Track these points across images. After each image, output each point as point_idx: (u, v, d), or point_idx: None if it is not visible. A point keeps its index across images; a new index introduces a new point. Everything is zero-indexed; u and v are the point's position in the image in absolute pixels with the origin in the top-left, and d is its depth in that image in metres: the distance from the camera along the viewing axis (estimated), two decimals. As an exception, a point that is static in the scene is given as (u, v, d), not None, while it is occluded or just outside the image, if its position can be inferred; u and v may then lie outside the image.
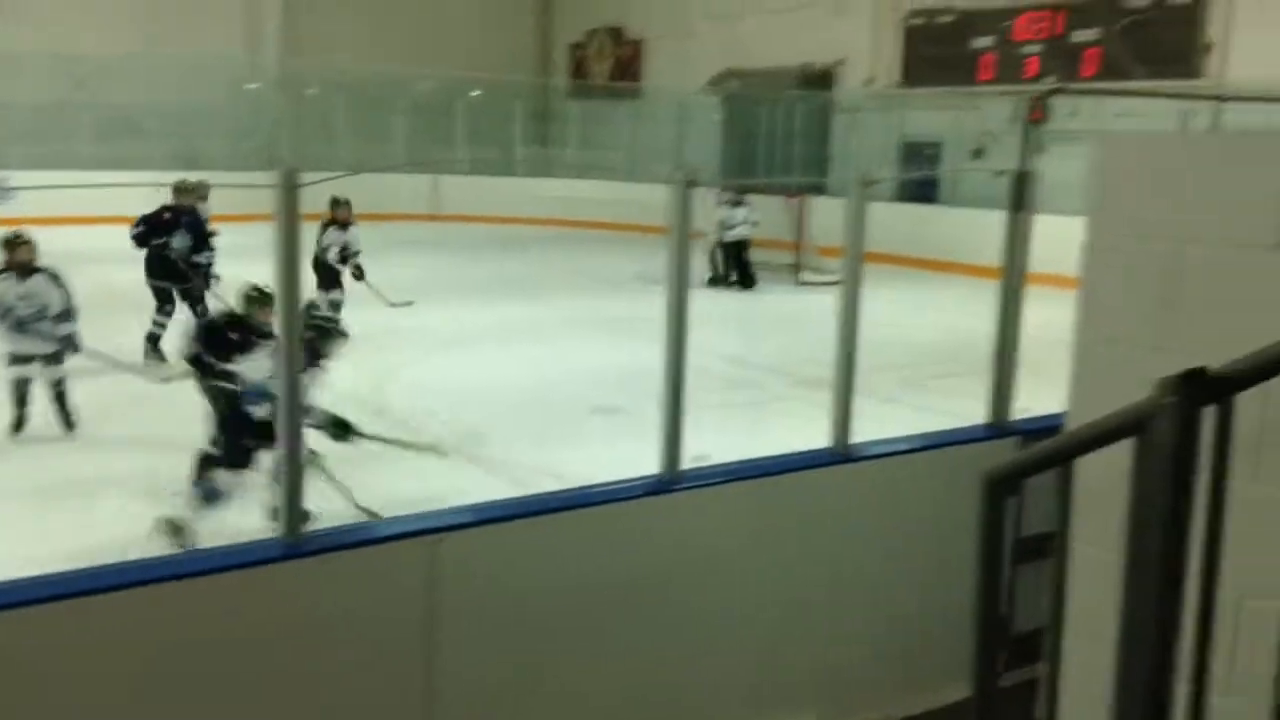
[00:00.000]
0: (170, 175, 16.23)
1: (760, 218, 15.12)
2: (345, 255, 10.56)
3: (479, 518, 3.30)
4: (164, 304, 9.43)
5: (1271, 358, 1.64)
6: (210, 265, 9.78)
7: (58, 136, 19.12)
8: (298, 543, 2.97)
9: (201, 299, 9.54)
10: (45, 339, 7.19)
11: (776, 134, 19.94)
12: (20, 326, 7.13)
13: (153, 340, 9.28)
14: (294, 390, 3.06)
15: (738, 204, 14.97)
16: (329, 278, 10.44)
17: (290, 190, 2.93)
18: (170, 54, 20.05)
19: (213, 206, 10.50)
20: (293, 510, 3.03)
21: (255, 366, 5.27)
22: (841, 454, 3.74)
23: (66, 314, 7.25)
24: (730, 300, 13.96)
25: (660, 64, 23.71)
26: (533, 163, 23.33)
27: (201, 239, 9.66)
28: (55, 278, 7.30)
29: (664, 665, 3.54)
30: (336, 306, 10.12)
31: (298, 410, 3.17)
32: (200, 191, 10.02)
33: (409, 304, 11.60)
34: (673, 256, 3.42)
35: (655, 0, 23.01)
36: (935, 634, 3.76)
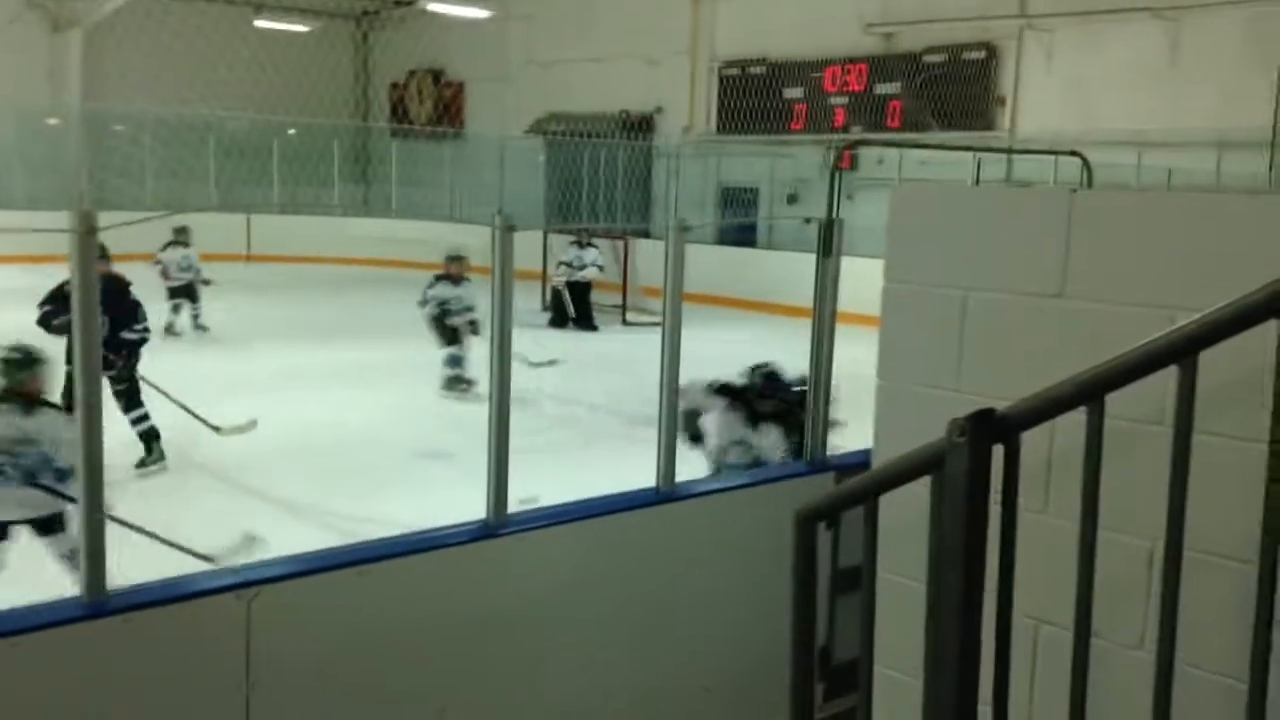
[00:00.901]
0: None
1: (608, 262, 15.34)
2: (451, 310, 10.56)
3: (298, 569, 3.21)
4: None
5: (1052, 399, 1.77)
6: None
7: None
8: (102, 600, 2.82)
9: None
10: None
11: (599, 178, 20.22)
12: None
13: None
14: (93, 436, 2.91)
15: (586, 245, 15.12)
16: (446, 333, 10.58)
17: (87, 234, 2.81)
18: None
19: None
20: (95, 568, 2.88)
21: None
22: (666, 492, 3.81)
23: None
24: (560, 340, 14.03)
25: (482, 106, 23.76)
26: (351, 203, 22.94)
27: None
28: None
29: (493, 711, 3.51)
30: (457, 362, 10.37)
31: (99, 462, 3.01)
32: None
33: (553, 363, 10.77)
34: (495, 299, 3.43)
35: (476, 43, 23.03)
36: (762, 667, 3.85)
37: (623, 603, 3.73)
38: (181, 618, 2.97)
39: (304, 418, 9.29)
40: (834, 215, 4.63)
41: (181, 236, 13.04)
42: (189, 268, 13.03)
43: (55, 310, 7.08)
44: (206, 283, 13.25)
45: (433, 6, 22.29)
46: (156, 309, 12.18)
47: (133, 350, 7.65)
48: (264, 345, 12.52)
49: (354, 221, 21.61)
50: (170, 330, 12.67)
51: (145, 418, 7.67)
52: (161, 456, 7.66)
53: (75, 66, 21.92)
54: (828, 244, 4.18)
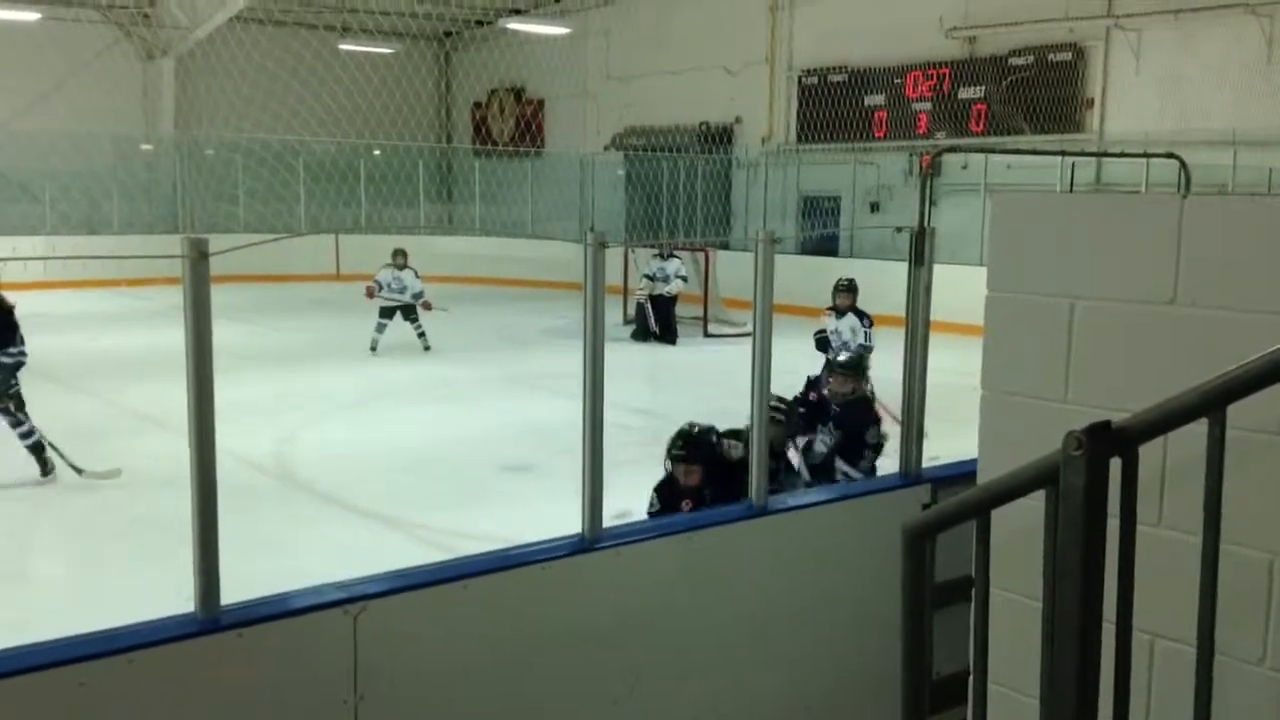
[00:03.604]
0: (68, 240, 15.87)
1: (690, 273, 15.34)
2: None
3: (402, 584, 3.26)
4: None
5: (1173, 410, 1.73)
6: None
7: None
8: (215, 616, 2.90)
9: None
10: None
11: (679, 190, 20.25)
12: None
13: None
14: (205, 456, 2.99)
15: (668, 258, 15.13)
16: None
17: (199, 259, 2.90)
18: (62, 122, 19.70)
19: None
20: (209, 584, 2.96)
21: None
22: (760, 507, 3.79)
23: None
24: (642, 354, 14.07)
25: (562, 122, 23.96)
26: (436, 222, 23.30)
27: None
28: None
29: (591, 726, 3.52)
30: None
31: (212, 481, 3.08)
32: None
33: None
34: (587, 314, 3.45)
35: (555, 61, 23.26)
36: (858, 681, 3.81)
37: (719, 618, 3.72)
38: (291, 633, 3.04)
39: (392, 433, 9.45)
40: (925, 223, 4.57)
41: (397, 259, 13.67)
42: (401, 289, 13.55)
43: None
44: (427, 306, 13.73)
45: (512, 26, 22.59)
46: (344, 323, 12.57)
47: (10, 371, 7.66)
48: (350, 363, 12.76)
49: (439, 240, 21.94)
50: (374, 348, 13.32)
51: (31, 433, 7.74)
52: (52, 469, 7.75)
53: (168, 94, 22.62)
54: (919, 252, 4.13)
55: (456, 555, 3.97)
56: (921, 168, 17.62)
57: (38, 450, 7.83)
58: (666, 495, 4.93)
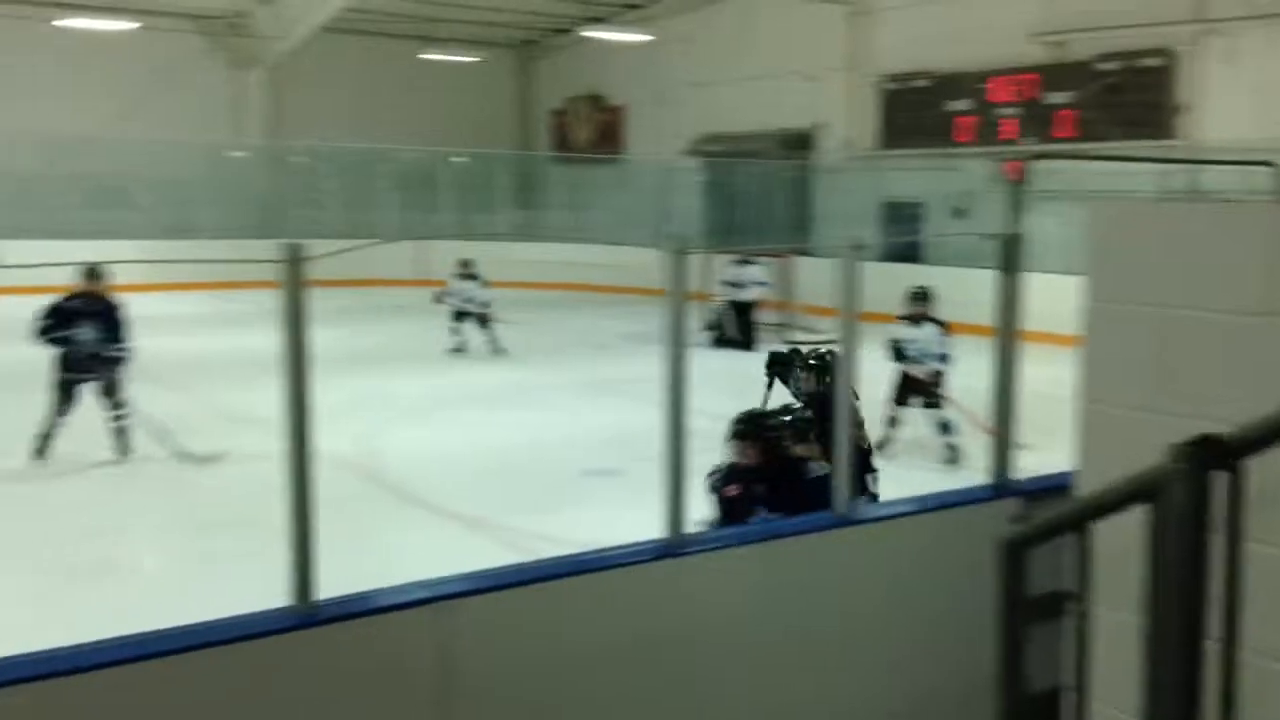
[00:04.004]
0: (159, 244, 16.31)
1: (769, 279, 15.28)
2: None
3: (486, 585, 3.30)
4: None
5: (1277, 424, 1.69)
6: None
7: (43, 206, 19.18)
8: (311, 611, 2.97)
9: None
10: None
11: (758, 197, 20.19)
12: None
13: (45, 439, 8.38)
14: (302, 454, 3.06)
15: (748, 264, 15.07)
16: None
17: (295, 263, 2.97)
18: (153, 130, 20.30)
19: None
20: (303, 578, 3.02)
21: None
22: (845, 516, 3.77)
23: None
24: (721, 360, 14.03)
25: (641, 128, 24.03)
26: (516, 228, 23.51)
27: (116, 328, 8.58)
28: None
29: (672, 732, 3.53)
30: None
31: (308, 479, 3.16)
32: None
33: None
34: (670, 321, 3.47)
35: (635, 67, 23.36)
36: (942, 697, 3.77)
37: (800, 628, 3.70)
38: (380, 629, 3.10)
39: (474, 436, 9.57)
40: (1015, 230, 4.50)
41: (463, 268, 14.16)
42: (470, 299, 13.99)
43: (53, 324, 8.20)
44: (488, 318, 14.06)
45: (593, 33, 22.73)
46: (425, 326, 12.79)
47: (115, 365, 8.41)
48: (431, 367, 12.95)
49: (519, 246, 22.15)
50: (459, 350, 13.78)
51: (126, 417, 8.45)
52: (131, 451, 8.45)
53: (257, 102, 23.17)
54: (1009, 260, 4.07)
55: (538, 558, 4.02)
56: (1007, 174, 17.35)
57: (125, 434, 8.41)
58: (727, 484, 4.95)
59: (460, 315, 13.98)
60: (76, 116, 20.32)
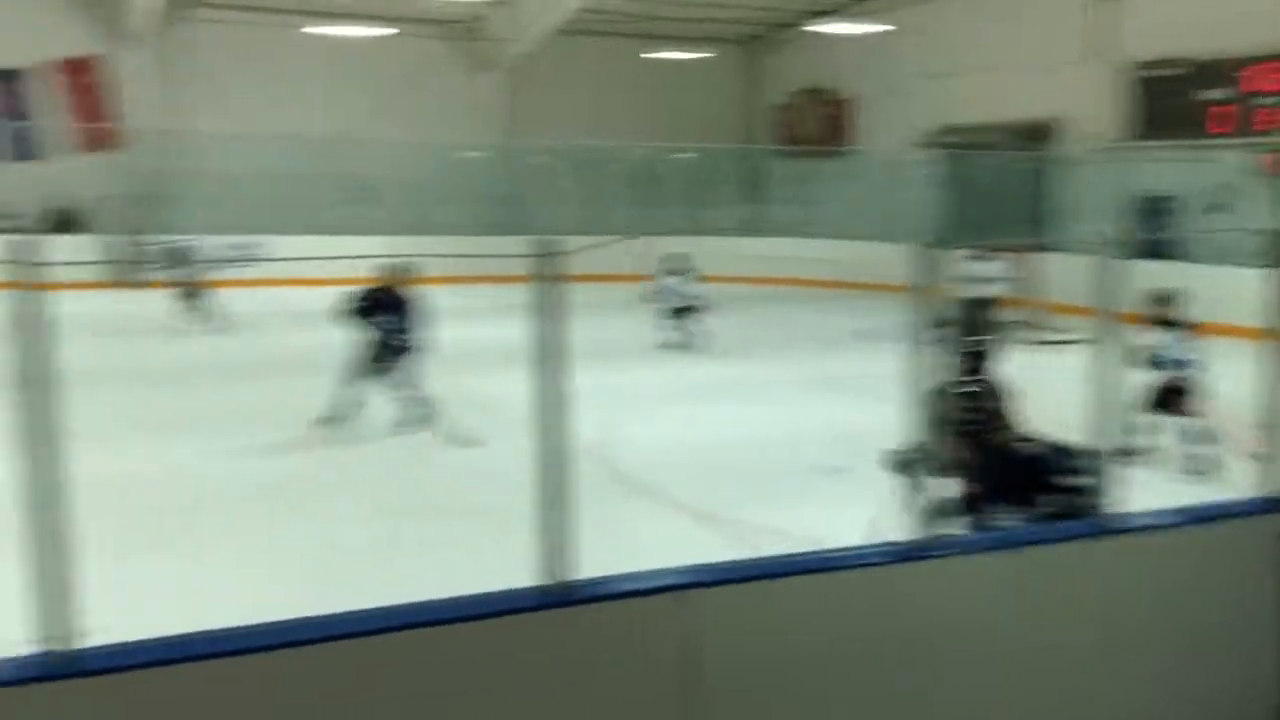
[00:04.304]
0: (402, 240, 17.20)
1: (1009, 275, 14.69)
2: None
3: (727, 576, 3.34)
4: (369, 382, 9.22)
5: None
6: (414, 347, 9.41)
7: (299, 204, 20.50)
8: (566, 591, 3.07)
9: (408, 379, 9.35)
10: None
11: (994, 190, 19.46)
12: None
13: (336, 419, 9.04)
14: (552, 433, 3.16)
15: (987, 260, 14.49)
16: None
17: (549, 257, 3.09)
18: (397, 131, 21.41)
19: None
20: (557, 558, 3.13)
21: None
22: (1103, 526, 3.61)
23: None
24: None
25: (871, 122, 23.59)
26: (742, 223, 23.48)
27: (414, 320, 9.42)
28: None
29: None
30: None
31: (562, 460, 3.25)
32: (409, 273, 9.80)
33: None
34: (913, 316, 3.40)
35: (864, 60, 22.95)
36: (1214, 708, 3.56)
37: (1056, 637, 3.56)
38: (624, 614, 3.18)
39: (702, 430, 9.66)
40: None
41: (673, 264, 14.29)
42: (677, 293, 14.13)
43: (359, 311, 9.10)
44: (694, 311, 14.13)
45: (822, 27, 22.48)
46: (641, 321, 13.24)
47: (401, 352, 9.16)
48: (658, 360, 13.13)
49: (744, 241, 22.15)
50: (670, 345, 13.93)
51: (417, 394, 9.18)
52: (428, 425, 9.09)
53: (496, 104, 24.11)
54: (1280, 257, 3.79)
55: (767, 554, 4.03)
56: (1266, 167, 16.13)
57: (412, 414, 9.12)
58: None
59: (678, 311, 14.07)
60: (328, 118, 21.64)
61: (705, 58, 26.03)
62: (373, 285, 9.28)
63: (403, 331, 9.15)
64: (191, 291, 15.46)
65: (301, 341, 13.14)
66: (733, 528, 6.65)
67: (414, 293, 9.37)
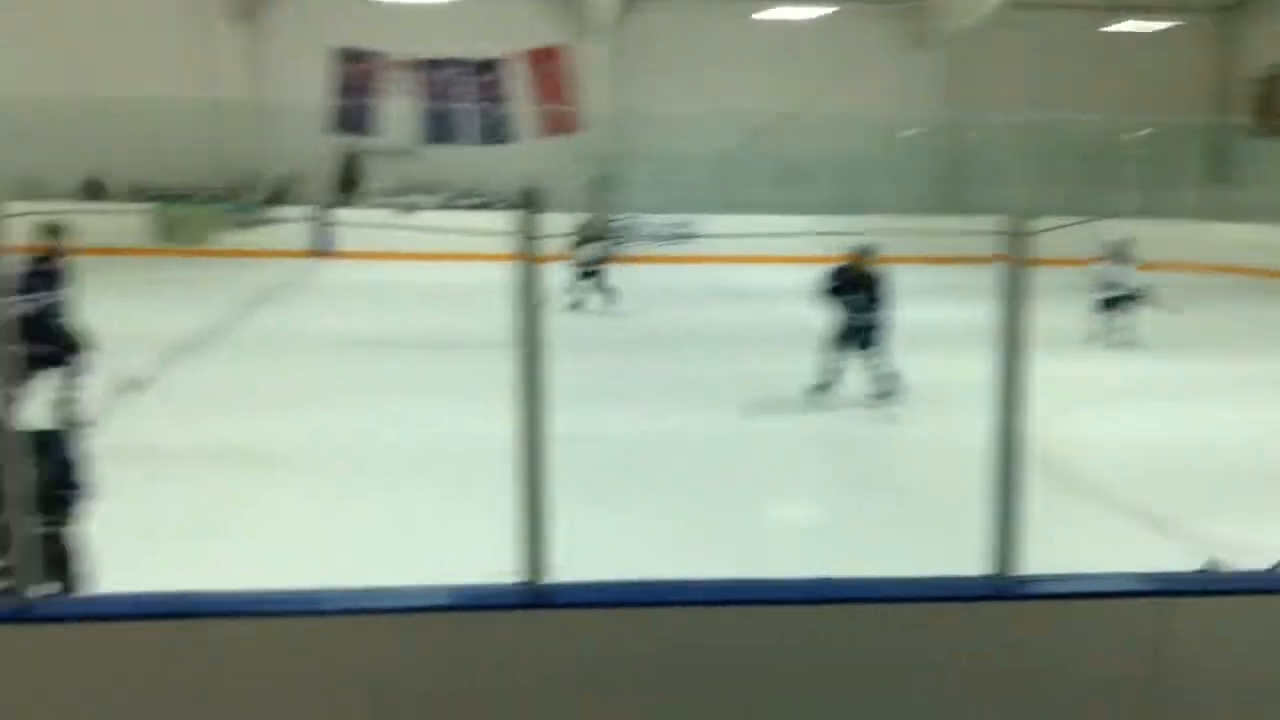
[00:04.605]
0: (833, 219, 17.21)
1: None
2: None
3: (1210, 587, 3.06)
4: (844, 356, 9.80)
5: None
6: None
7: (735, 184, 21.11)
8: (1020, 584, 2.95)
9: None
10: None
11: None
12: None
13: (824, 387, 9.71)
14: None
15: None
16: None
17: (1019, 237, 2.97)
18: (831, 109, 21.42)
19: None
20: (1004, 550, 3.00)
21: None
22: None
23: None
24: None
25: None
26: (1208, 206, 21.24)
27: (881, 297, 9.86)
28: None
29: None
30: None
31: (1015, 451, 3.11)
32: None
33: None
34: None
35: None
36: None
37: None
38: (1092, 614, 3.00)
39: (1153, 427, 8.99)
40: None
41: (1116, 250, 12.93)
42: (1114, 282, 12.82)
43: (835, 289, 9.48)
44: (1145, 301, 12.76)
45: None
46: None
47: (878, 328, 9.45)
48: (1102, 353, 12.28)
49: (1208, 226, 20.12)
50: (1096, 339, 12.83)
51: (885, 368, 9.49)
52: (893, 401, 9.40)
53: (935, 79, 23.52)
54: None
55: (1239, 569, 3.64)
56: None
57: (883, 388, 9.47)
58: None
59: (1111, 302, 12.74)
60: (772, 99, 22.08)
61: (1171, 27, 23.82)
62: (842, 264, 9.70)
63: (873, 309, 9.49)
64: (599, 269, 15.13)
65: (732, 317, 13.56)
66: (1197, 543, 6.04)
67: (882, 271, 9.62)
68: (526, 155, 21.86)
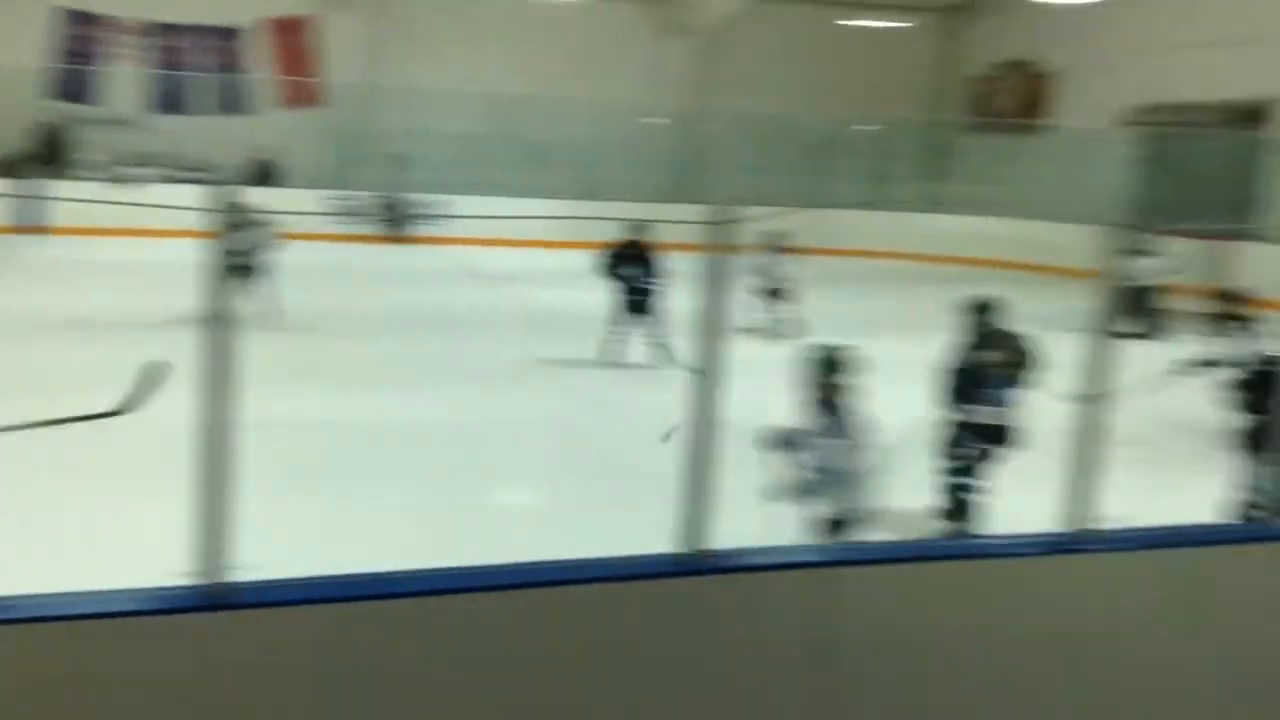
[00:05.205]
0: (573, 205, 17.22)
1: (1169, 261, 13.88)
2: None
3: (878, 556, 3.29)
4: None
5: None
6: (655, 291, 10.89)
7: (478, 166, 20.84)
8: (700, 559, 3.07)
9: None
10: None
11: (1197, 174, 18.31)
12: None
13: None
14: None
15: (1152, 244, 13.66)
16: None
17: (723, 225, 3.08)
18: (576, 95, 21.51)
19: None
20: (693, 527, 3.12)
21: None
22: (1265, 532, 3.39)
23: None
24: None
25: (1071, 98, 22.48)
26: (924, 198, 22.71)
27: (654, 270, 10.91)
28: None
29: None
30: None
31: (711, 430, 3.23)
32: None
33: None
34: (1097, 304, 3.25)
35: (1074, 32, 21.81)
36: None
37: (1207, 647, 3.36)
38: (769, 585, 3.15)
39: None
40: None
41: (770, 241, 12.59)
42: (765, 273, 12.65)
43: (613, 263, 10.67)
44: (779, 294, 12.79)
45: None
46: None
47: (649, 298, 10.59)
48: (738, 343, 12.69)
49: (926, 217, 21.50)
50: (753, 329, 12.18)
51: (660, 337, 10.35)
52: None
53: (679, 70, 24.04)
54: None
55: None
56: None
57: (660, 350, 10.22)
58: None
59: (772, 292, 12.58)
60: (523, 81, 21.94)
61: (902, 26, 25.28)
62: (622, 242, 10.81)
63: (648, 279, 10.57)
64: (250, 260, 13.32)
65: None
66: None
67: (654, 248, 10.70)
68: (263, 128, 20.97)
